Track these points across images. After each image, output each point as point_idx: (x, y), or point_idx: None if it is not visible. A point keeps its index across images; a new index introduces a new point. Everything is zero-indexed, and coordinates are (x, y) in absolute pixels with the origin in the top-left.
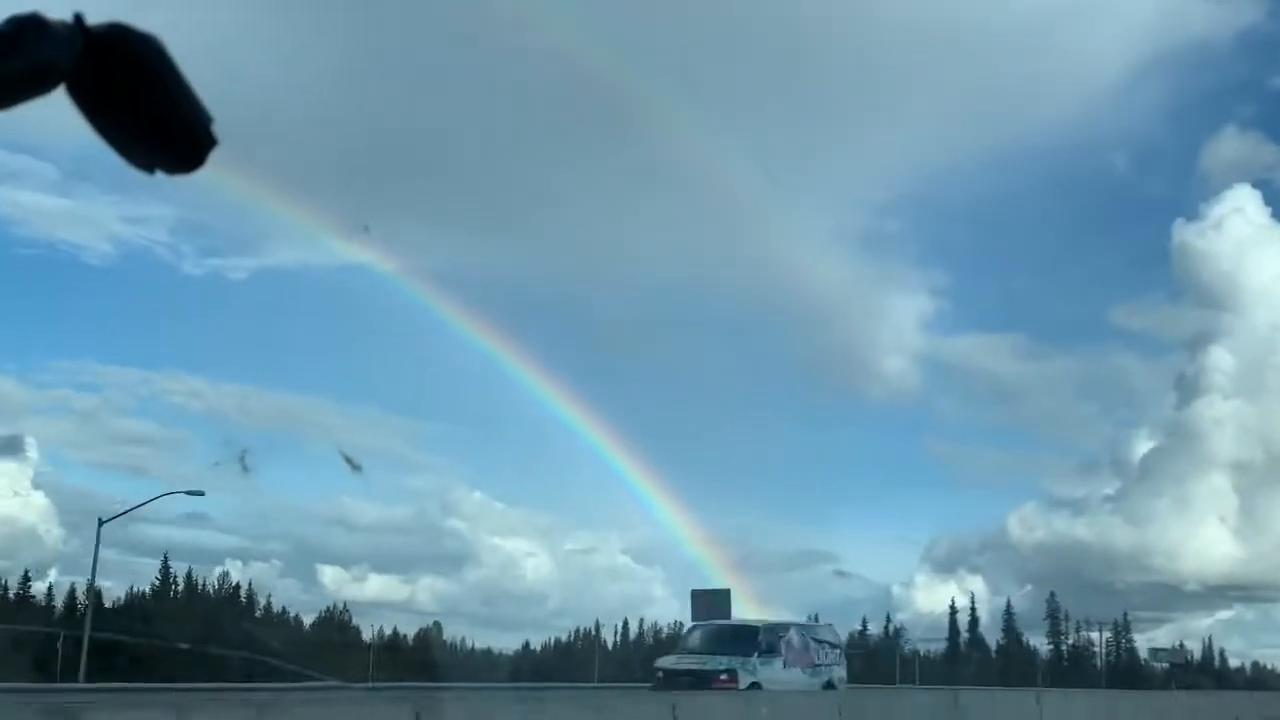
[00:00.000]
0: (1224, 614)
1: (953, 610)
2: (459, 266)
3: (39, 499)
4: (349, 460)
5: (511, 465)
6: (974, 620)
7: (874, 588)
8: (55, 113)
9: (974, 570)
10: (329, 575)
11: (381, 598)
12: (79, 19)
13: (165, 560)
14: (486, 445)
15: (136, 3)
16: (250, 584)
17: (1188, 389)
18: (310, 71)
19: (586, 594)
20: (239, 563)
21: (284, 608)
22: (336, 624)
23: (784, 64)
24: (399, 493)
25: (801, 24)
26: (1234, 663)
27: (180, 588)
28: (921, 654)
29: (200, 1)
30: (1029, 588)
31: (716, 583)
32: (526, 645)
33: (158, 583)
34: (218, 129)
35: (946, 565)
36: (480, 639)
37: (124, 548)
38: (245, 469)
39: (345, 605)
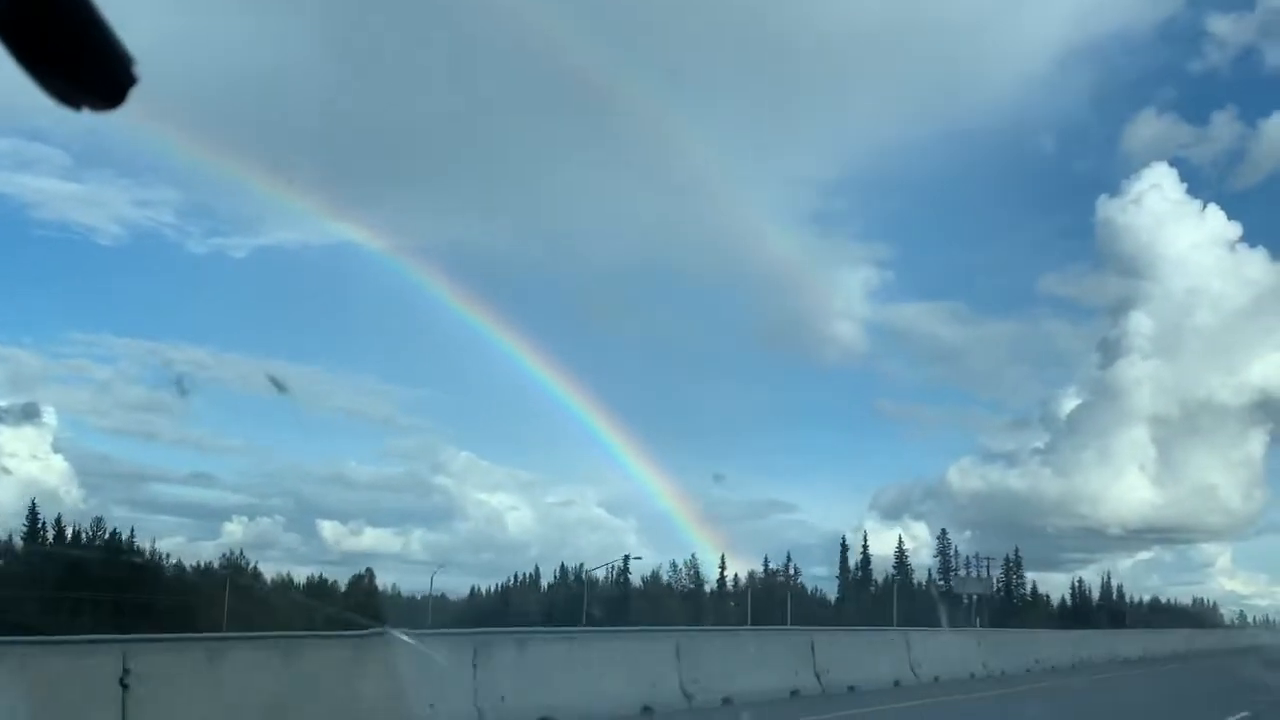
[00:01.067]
0: (1143, 554)
1: (843, 549)
2: (444, 245)
3: (59, 462)
4: (275, 382)
5: (495, 427)
6: (866, 559)
7: (826, 534)
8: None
9: (917, 517)
10: (328, 529)
11: (376, 549)
12: None
13: (32, 506)
14: (472, 409)
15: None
16: (132, 530)
17: (1110, 350)
18: (309, 67)
19: (565, 543)
20: (245, 518)
21: (167, 553)
22: (237, 570)
23: (741, 57)
24: (392, 453)
25: (757, 19)
26: (1141, 598)
27: (50, 536)
28: (809, 591)
29: (227, 5)
30: (968, 533)
31: (684, 535)
32: (474, 590)
33: (25, 528)
34: (139, 71)
35: (892, 513)
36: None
37: (135, 506)
38: (183, 392)
39: (242, 551)
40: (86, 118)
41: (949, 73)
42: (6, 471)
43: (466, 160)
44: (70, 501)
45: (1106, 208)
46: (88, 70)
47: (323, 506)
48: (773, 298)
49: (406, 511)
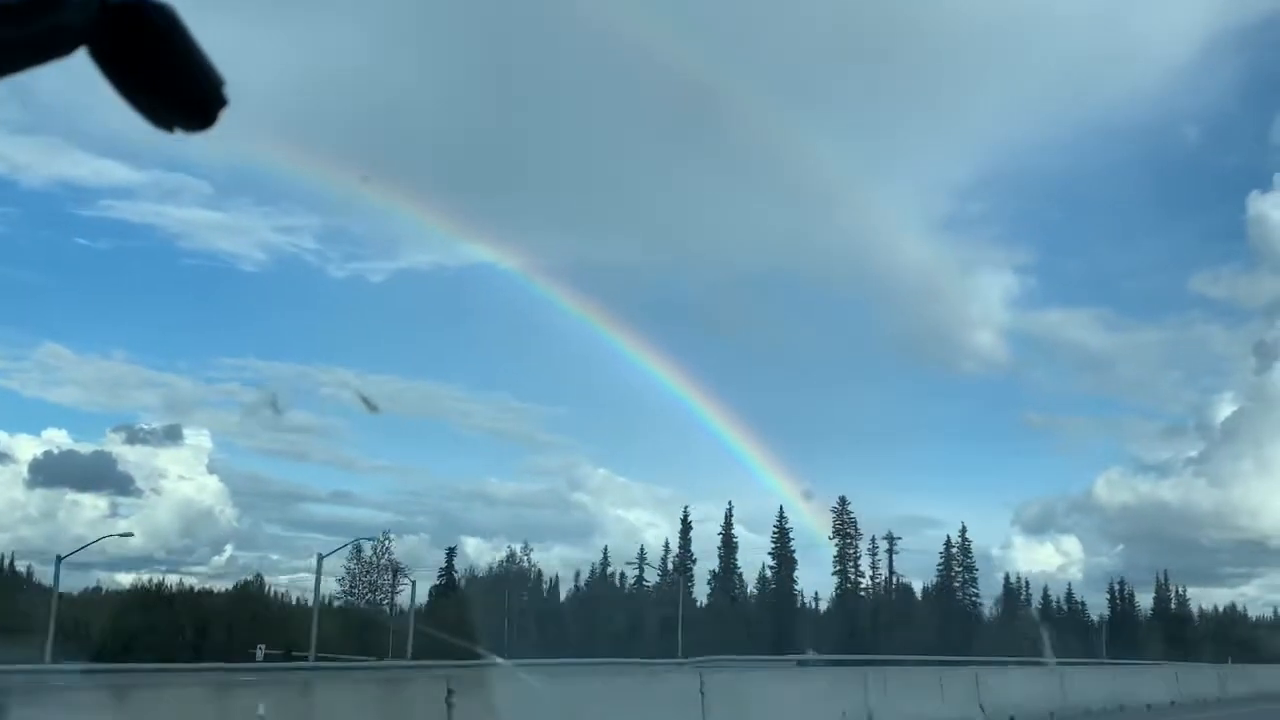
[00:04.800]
0: None
1: (894, 570)
2: (573, 262)
3: (213, 483)
4: (366, 401)
5: (631, 443)
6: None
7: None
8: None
9: (1064, 531)
10: (471, 546)
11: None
12: None
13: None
14: (608, 425)
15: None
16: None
17: (1268, 353)
18: (437, 93)
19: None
20: (393, 535)
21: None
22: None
23: (868, 56)
24: (531, 470)
25: (885, 17)
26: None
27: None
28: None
29: (357, 37)
30: (1120, 547)
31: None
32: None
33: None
34: (229, 91)
35: (1037, 528)
36: None
37: (286, 524)
38: (278, 411)
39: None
40: (230, 145)
41: (1085, 66)
42: (156, 493)
43: (591, 176)
44: (225, 520)
45: (1258, 204)
46: (180, 92)
47: (466, 523)
48: (907, 306)
49: (547, 527)
